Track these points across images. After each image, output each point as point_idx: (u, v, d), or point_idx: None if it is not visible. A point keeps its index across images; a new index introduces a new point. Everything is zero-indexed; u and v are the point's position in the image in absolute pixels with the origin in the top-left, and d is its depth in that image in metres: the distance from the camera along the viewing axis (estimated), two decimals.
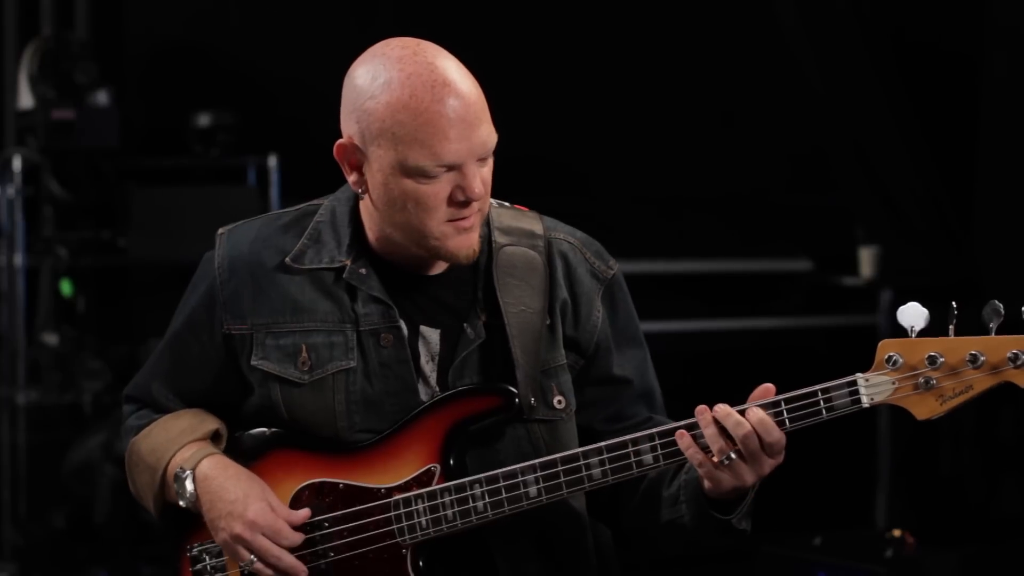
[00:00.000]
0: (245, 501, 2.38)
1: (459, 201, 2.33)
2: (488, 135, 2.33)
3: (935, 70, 6.24)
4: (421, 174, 2.31)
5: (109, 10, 6.31)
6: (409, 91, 2.29)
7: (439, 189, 2.32)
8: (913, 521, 5.90)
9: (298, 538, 2.39)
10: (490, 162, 2.37)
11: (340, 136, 2.39)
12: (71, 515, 5.80)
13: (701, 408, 2.30)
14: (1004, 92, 5.93)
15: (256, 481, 2.41)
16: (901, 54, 6.17)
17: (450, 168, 2.31)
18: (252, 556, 2.37)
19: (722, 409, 2.29)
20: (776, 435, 2.27)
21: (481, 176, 2.34)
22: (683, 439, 2.30)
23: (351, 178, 2.39)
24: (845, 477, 6.45)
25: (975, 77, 6.07)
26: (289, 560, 2.38)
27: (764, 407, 2.29)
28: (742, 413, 2.28)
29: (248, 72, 6.32)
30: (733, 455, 2.27)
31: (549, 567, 2.44)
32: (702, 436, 2.29)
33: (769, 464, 2.30)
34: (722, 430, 2.28)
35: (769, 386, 2.32)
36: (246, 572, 2.42)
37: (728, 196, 6.73)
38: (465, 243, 2.36)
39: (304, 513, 2.40)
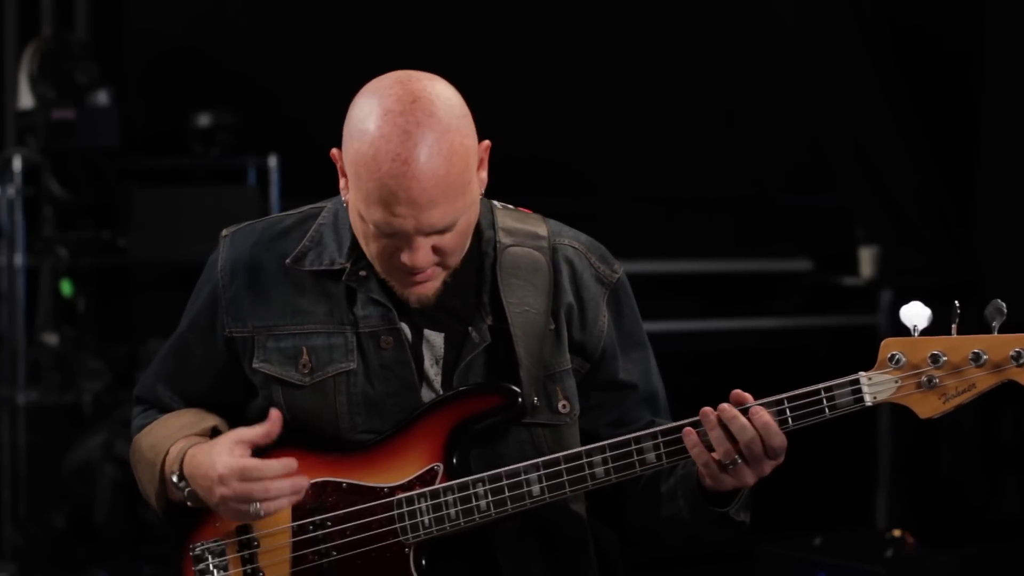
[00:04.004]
0: (212, 464, 2.35)
1: (404, 265, 2.31)
2: (441, 217, 2.27)
3: (935, 69, 6.24)
4: (372, 224, 2.29)
5: (109, 10, 6.31)
6: (373, 152, 2.25)
7: (387, 245, 2.31)
8: (913, 521, 5.90)
9: (270, 462, 2.33)
10: (459, 229, 2.31)
11: (339, 136, 2.39)
12: (71, 515, 5.80)
13: (706, 410, 2.30)
14: (1004, 92, 5.93)
15: (219, 440, 2.38)
16: (901, 53, 6.18)
17: (395, 235, 2.29)
18: (247, 506, 2.33)
19: (727, 411, 2.29)
20: (780, 439, 2.28)
21: (439, 243, 2.30)
22: (689, 437, 2.30)
23: (340, 184, 2.39)
24: (845, 477, 6.45)
25: (975, 77, 6.07)
26: (276, 487, 2.32)
27: (769, 404, 2.29)
28: (746, 414, 2.28)
29: (248, 72, 6.32)
30: (738, 458, 2.27)
31: (553, 566, 2.44)
32: (707, 436, 2.29)
33: (770, 465, 2.30)
34: (727, 432, 2.28)
35: (742, 393, 2.31)
36: (249, 571, 2.42)
37: (728, 196, 6.73)
38: (416, 291, 2.36)
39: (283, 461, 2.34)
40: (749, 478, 2.30)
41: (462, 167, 2.27)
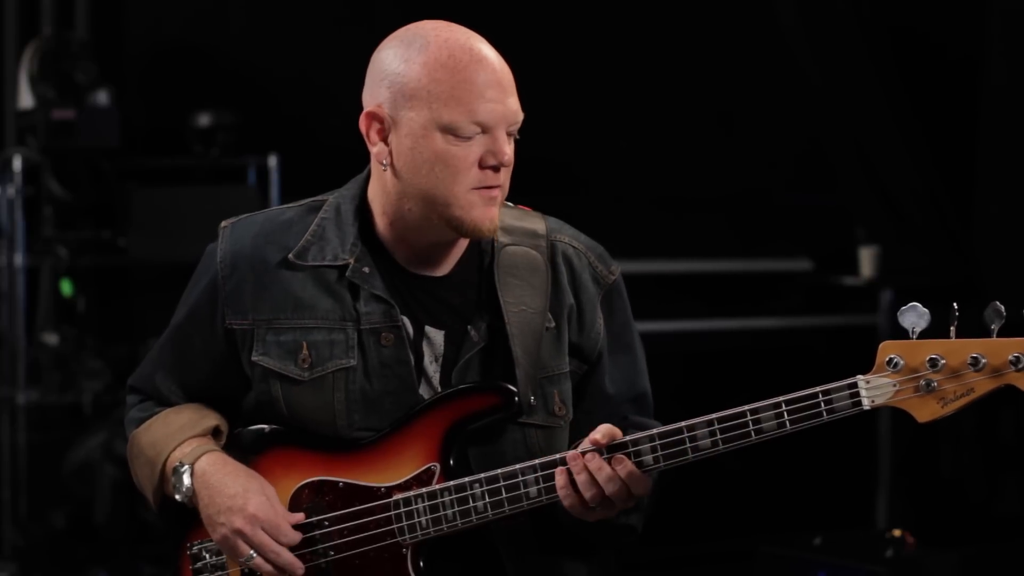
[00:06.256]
0: (245, 496, 2.37)
1: (489, 165, 2.34)
2: (518, 108, 2.37)
3: (935, 69, 6.24)
4: (454, 133, 2.32)
5: (109, 10, 6.31)
6: (447, 52, 2.33)
7: (470, 152, 2.33)
8: (913, 521, 5.90)
9: (297, 536, 2.39)
10: (513, 143, 2.38)
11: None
12: (71, 515, 5.80)
13: (574, 454, 2.31)
14: (1004, 92, 5.93)
15: (255, 477, 2.41)
16: (901, 54, 6.17)
17: (483, 131, 2.33)
18: (251, 551, 2.37)
19: (593, 461, 2.30)
20: (644, 486, 2.30)
21: (509, 151, 2.36)
22: (560, 477, 2.31)
23: (375, 149, 2.38)
24: (845, 477, 6.45)
25: (975, 77, 6.07)
26: (287, 556, 2.37)
27: (766, 407, 2.28)
28: (610, 463, 2.29)
29: (248, 72, 6.31)
30: (601, 501, 2.30)
31: (553, 566, 2.44)
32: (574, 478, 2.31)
33: (634, 500, 2.33)
34: (593, 479, 2.29)
35: (615, 430, 2.32)
36: (246, 571, 2.42)
37: (728, 196, 6.72)
38: (488, 215, 2.36)
39: (299, 516, 2.40)
40: (612, 512, 2.33)
41: None
